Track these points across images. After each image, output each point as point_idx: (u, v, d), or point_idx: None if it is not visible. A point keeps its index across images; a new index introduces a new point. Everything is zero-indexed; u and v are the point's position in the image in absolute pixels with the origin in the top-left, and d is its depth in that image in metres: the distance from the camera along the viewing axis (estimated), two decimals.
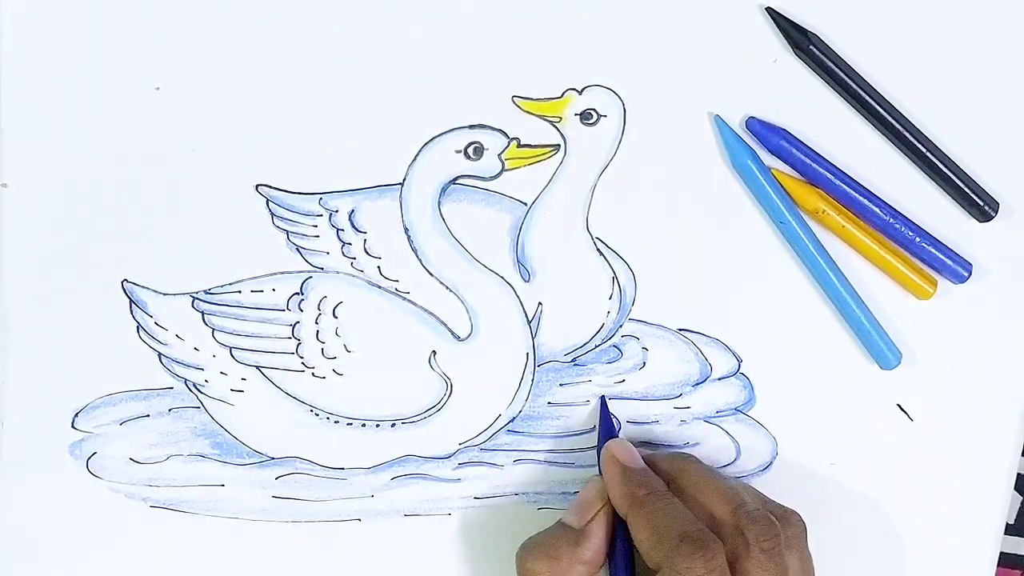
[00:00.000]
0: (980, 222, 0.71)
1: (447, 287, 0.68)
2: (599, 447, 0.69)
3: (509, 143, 0.67)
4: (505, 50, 0.67)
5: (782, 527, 0.64)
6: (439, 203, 0.67)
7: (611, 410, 0.71)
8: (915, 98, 0.70)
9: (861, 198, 0.70)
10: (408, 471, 0.70)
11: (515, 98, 0.67)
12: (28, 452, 0.68)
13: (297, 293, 0.68)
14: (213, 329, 0.68)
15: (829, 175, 0.69)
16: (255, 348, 0.68)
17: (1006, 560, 0.78)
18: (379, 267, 0.68)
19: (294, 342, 0.68)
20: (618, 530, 0.66)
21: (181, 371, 0.68)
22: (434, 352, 0.69)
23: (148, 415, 0.69)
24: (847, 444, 0.74)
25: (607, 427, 0.71)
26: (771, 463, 0.73)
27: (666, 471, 0.67)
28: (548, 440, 0.71)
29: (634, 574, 0.65)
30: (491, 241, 0.68)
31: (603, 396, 0.71)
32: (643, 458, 0.68)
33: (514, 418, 0.70)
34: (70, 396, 0.68)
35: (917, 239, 0.71)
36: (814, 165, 0.69)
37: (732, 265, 0.71)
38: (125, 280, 0.67)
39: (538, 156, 0.68)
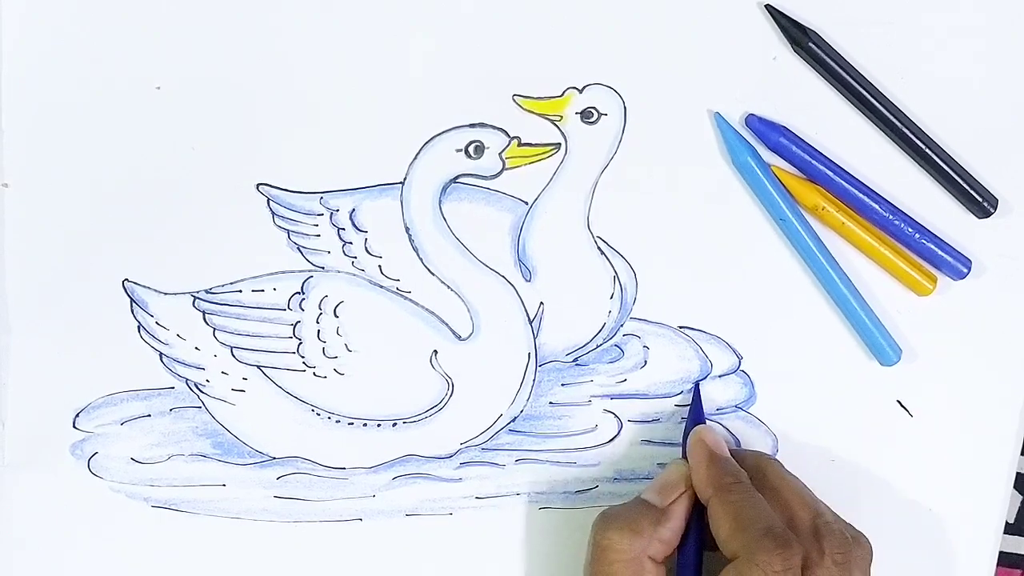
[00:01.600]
0: (979, 218, 0.71)
1: (448, 286, 0.68)
2: (686, 432, 0.70)
3: (510, 142, 0.67)
4: (506, 49, 0.67)
5: (853, 546, 0.64)
6: (440, 202, 0.68)
7: (614, 410, 0.71)
8: (914, 95, 0.70)
9: (860, 195, 0.70)
10: (409, 471, 0.70)
11: (516, 97, 0.67)
12: (29, 452, 0.68)
13: (298, 292, 0.68)
14: (214, 328, 0.68)
15: (829, 172, 0.69)
16: (256, 348, 0.68)
17: (1006, 560, 0.78)
18: (380, 266, 0.68)
19: (295, 341, 0.68)
20: (695, 515, 0.66)
21: (182, 371, 0.68)
22: (435, 351, 0.69)
23: (149, 415, 0.69)
24: (847, 441, 0.74)
25: (697, 413, 0.71)
26: None
27: (751, 466, 0.67)
28: (550, 440, 0.71)
29: (702, 560, 0.66)
30: (492, 240, 0.68)
31: (697, 382, 0.72)
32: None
33: (515, 418, 0.70)
34: (71, 396, 0.68)
35: (916, 235, 0.71)
36: (814, 162, 0.69)
37: (732, 262, 0.71)
38: (126, 279, 0.67)
39: (539, 155, 0.68)
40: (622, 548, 0.65)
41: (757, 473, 0.67)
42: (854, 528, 0.67)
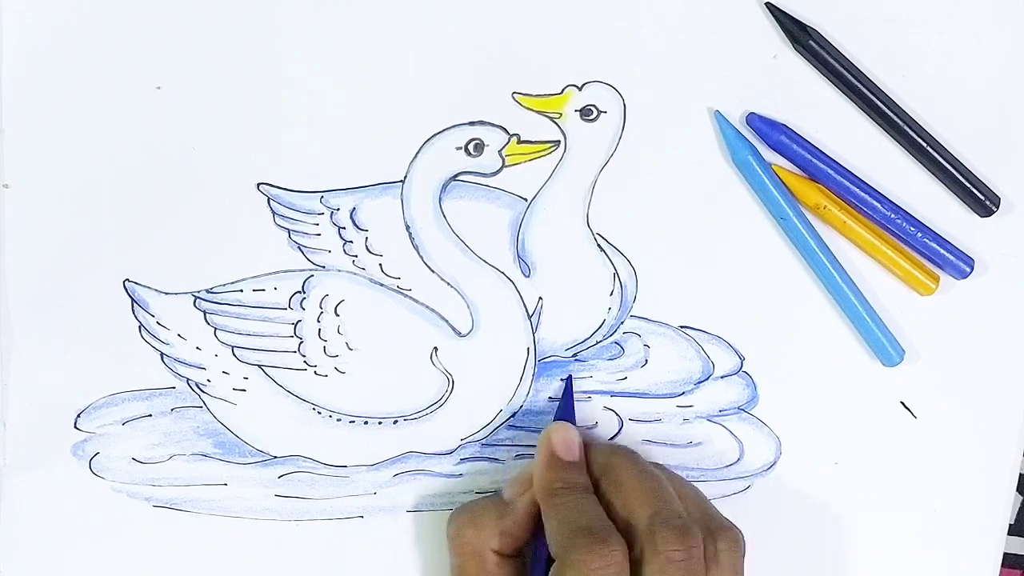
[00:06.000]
0: (981, 217, 0.71)
1: (448, 283, 0.68)
2: None
3: (509, 139, 0.67)
4: (505, 46, 0.67)
5: (712, 541, 0.63)
6: (440, 200, 0.68)
7: (614, 408, 0.71)
8: (915, 93, 0.70)
9: (862, 193, 0.70)
10: (410, 467, 0.70)
11: (515, 94, 0.67)
12: (31, 452, 0.68)
13: (299, 292, 0.68)
14: (215, 328, 0.68)
15: (830, 171, 0.69)
16: (257, 347, 0.68)
17: (1007, 560, 0.78)
18: (380, 265, 0.68)
19: (296, 340, 0.68)
20: None
21: (183, 370, 0.68)
22: (436, 348, 0.69)
23: (150, 415, 0.69)
24: (850, 442, 0.74)
25: (565, 409, 0.70)
26: (775, 462, 0.73)
27: (601, 463, 0.66)
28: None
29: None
30: (491, 236, 0.68)
31: (570, 376, 0.71)
32: (585, 444, 0.67)
33: (515, 413, 0.70)
34: (72, 396, 0.68)
35: (919, 234, 0.71)
36: (815, 161, 0.69)
37: (733, 262, 0.71)
38: (127, 280, 0.67)
39: (538, 152, 0.68)
40: (465, 540, 0.66)
41: (604, 472, 0.66)
42: (721, 521, 0.65)
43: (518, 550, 0.66)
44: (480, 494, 0.71)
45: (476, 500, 0.69)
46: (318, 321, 0.68)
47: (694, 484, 0.70)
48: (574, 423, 0.68)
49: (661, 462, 0.72)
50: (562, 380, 0.70)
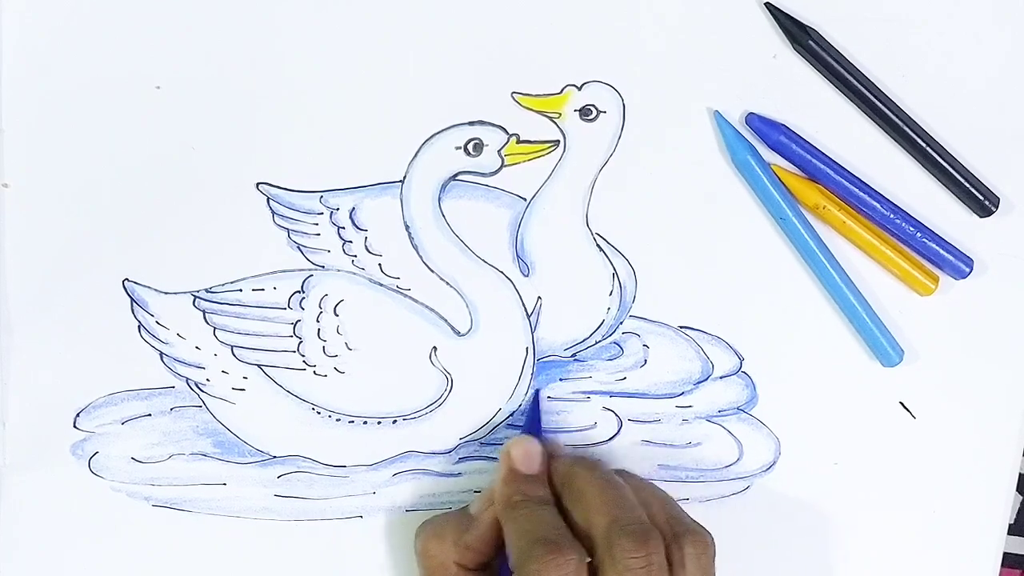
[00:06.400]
0: (980, 217, 0.71)
1: (447, 283, 0.68)
2: None
3: (509, 139, 0.67)
4: (505, 46, 0.67)
5: (679, 546, 0.63)
6: (439, 199, 0.68)
7: (614, 408, 0.71)
8: (914, 93, 0.70)
9: (861, 193, 0.70)
10: (409, 467, 0.70)
11: (515, 94, 0.67)
12: (30, 452, 0.68)
13: (298, 291, 0.68)
14: (214, 328, 0.68)
15: (829, 171, 0.69)
16: (256, 347, 0.68)
17: (1007, 560, 0.78)
18: (380, 264, 0.68)
19: (295, 340, 0.68)
20: None
21: (182, 370, 0.68)
22: (435, 348, 0.69)
23: (150, 414, 0.69)
24: (850, 442, 0.74)
25: (532, 423, 0.70)
26: (774, 463, 0.73)
27: (561, 475, 0.66)
28: (548, 435, 0.71)
29: None
30: (490, 236, 0.68)
31: (538, 390, 0.71)
32: (549, 456, 0.67)
33: (514, 412, 0.70)
34: (72, 396, 0.68)
35: (918, 235, 0.71)
36: (814, 161, 0.69)
37: (733, 262, 0.71)
38: (126, 279, 0.67)
39: (537, 152, 0.68)
40: (431, 553, 0.66)
41: (567, 482, 0.65)
42: (688, 526, 0.65)
43: (483, 564, 0.66)
44: (479, 493, 0.70)
45: (443, 513, 0.69)
46: (317, 321, 0.68)
47: (662, 489, 0.70)
48: (540, 436, 0.68)
49: (660, 463, 0.72)
50: (561, 380, 0.70)
